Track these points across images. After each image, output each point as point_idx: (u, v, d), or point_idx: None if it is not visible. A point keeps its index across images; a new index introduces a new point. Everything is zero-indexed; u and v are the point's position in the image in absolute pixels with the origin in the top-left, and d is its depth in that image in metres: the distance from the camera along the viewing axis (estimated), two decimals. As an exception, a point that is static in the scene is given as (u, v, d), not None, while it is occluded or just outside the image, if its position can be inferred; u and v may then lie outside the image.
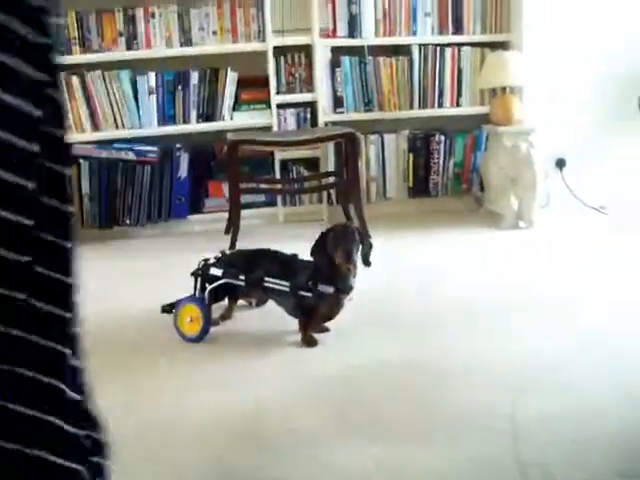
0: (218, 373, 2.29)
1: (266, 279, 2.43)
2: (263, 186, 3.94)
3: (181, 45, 3.96)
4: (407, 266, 3.28)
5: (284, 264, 2.47)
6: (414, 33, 4.03)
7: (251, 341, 2.52)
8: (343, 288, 2.35)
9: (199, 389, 2.19)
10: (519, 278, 3.06)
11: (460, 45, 4.06)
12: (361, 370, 2.26)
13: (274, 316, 2.59)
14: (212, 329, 2.53)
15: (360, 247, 2.36)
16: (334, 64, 4.02)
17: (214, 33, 3.98)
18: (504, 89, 3.88)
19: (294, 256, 2.51)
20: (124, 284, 3.20)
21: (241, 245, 3.44)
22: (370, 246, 2.45)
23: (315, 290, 2.36)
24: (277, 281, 2.42)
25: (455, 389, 2.10)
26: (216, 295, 2.54)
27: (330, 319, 2.44)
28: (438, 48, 4.05)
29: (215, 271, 2.51)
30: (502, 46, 4.01)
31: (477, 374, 2.18)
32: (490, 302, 2.77)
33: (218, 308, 2.67)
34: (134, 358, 2.43)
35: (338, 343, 2.48)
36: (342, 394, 2.12)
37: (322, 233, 2.42)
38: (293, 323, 2.51)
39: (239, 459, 1.78)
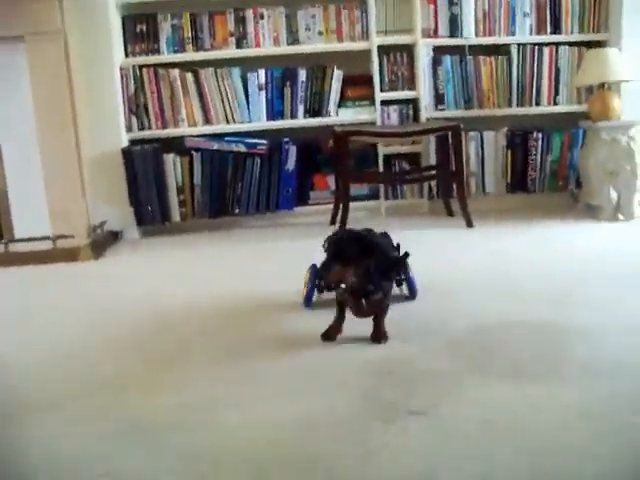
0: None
1: None
2: (368, 178, 4.04)
3: (288, 44, 4.10)
4: (510, 256, 3.23)
5: None
6: (513, 33, 4.15)
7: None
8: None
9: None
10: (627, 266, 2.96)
11: (558, 44, 4.16)
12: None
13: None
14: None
15: (372, 264, 1.97)
16: (435, 62, 4.14)
17: (320, 33, 4.13)
18: (602, 86, 3.96)
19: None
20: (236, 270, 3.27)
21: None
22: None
23: None
24: None
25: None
26: None
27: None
28: (536, 47, 4.16)
29: None
30: (599, 45, 4.11)
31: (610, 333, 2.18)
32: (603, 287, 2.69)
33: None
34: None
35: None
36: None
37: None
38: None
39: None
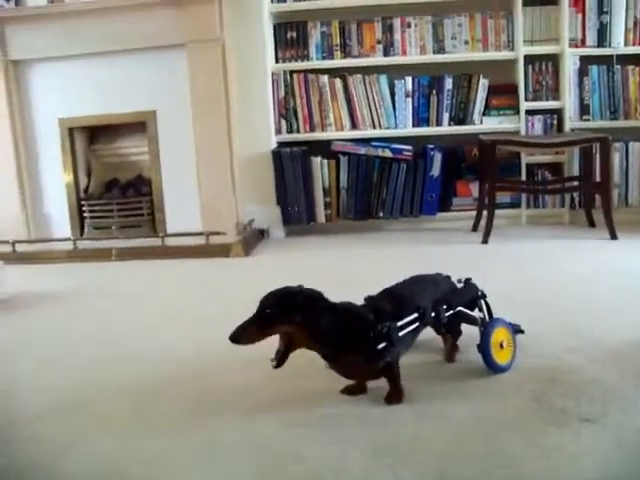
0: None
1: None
2: (513, 187, 4.07)
3: (434, 53, 4.18)
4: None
5: None
6: (664, 42, 4.09)
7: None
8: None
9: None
10: None
11: None
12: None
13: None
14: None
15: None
16: (582, 72, 4.13)
17: (466, 42, 4.19)
18: None
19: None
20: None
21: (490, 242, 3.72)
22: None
23: None
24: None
25: None
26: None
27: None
28: (688, 58, 4.10)
29: None
30: None
31: None
32: None
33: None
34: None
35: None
36: None
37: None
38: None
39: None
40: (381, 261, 3.55)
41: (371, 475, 1.46)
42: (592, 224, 4.06)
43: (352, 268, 3.42)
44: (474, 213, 4.06)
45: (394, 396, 1.82)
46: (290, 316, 1.70)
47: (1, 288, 3.14)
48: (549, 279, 3.00)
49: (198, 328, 2.59)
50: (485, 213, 3.85)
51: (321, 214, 4.20)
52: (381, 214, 4.15)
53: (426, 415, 1.72)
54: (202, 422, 1.77)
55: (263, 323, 1.69)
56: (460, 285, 2.10)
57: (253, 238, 4.08)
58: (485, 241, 3.76)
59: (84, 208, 4.37)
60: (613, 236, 3.74)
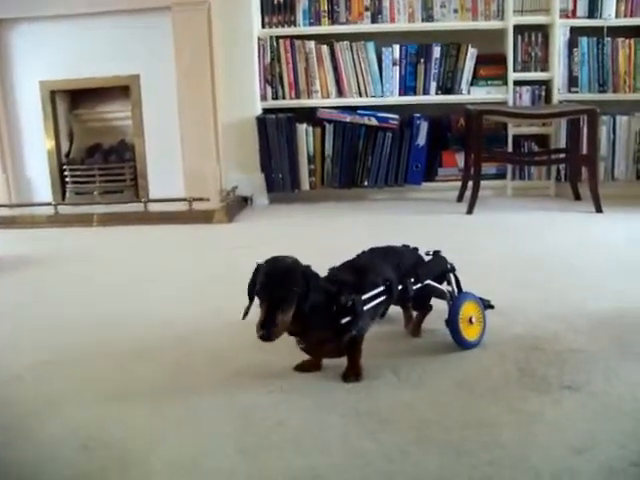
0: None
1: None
2: (499, 157, 4.05)
3: (422, 20, 4.13)
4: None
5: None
6: (656, 14, 4.06)
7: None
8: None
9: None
10: None
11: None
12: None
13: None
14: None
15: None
16: (571, 44, 4.10)
17: (455, 11, 4.15)
18: None
19: None
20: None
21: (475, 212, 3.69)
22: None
23: None
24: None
25: None
26: None
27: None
28: (680, 30, 4.07)
29: None
30: None
31: None
32: None
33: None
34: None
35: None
36: None
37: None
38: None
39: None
40: (365, 230, 3.52)
41: (352, 441, 1.45)
42: (578, 197, 4.06)
43: (335, 236, 3.40)
44: (459, 184, 4.05)
45: (352, 374, 1.71)
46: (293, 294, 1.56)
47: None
48: (533, 250, 2.99)
49: (181, 292, 2.56)
50: (470, 184, 3.83)
51: (305, 182, 4.16)
52: (366, 183, 4.13)
53: (407, 383, 1.71)
54: (183, 387, 1.75)
55: (282, 308, 1.54)
56: (428, 257, 2.00)
57: (236, 205, 4.05)
58: (470, 212, 3.75)
59: (66, 173, 4.31)
60: (598, 209, 3.74)
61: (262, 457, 1.40)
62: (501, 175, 4.17)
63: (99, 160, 4.31)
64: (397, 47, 4.11)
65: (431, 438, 1.44)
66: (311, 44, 4.13)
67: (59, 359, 1.96)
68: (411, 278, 1.84)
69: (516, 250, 3.00)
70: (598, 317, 2.12)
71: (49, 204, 4.05)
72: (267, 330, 1.52)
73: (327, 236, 3.42)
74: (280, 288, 1.55)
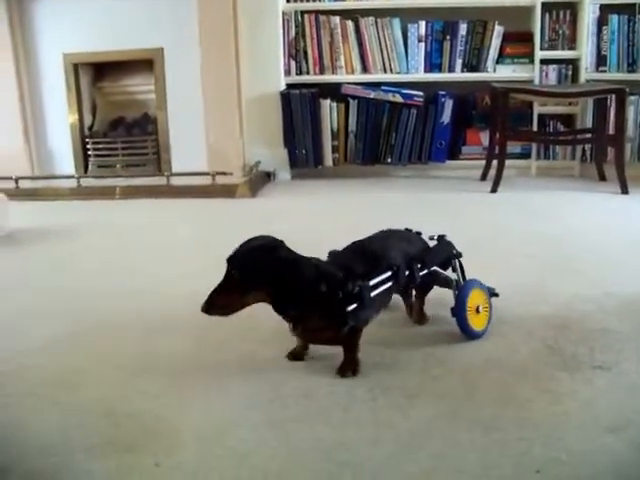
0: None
1: None
2: (524, 136, 4.01)
3: (450, -3, 4.08)
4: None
5: None
6: (690, -9, 3.98)
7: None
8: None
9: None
10: None
11: None
12: None
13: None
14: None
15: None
16: (601, 22, 4.03)
17: (483, -14, 4.07)
18: None
19: None
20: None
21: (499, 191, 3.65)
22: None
23: None
24: None
25: None
26: None
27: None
28: None
29: None
30: None
31: None
32: None
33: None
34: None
35: None
36: None
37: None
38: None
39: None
40: (387, 207, 3.50)
41: (381, 414, 1.44)
42: (603, 178, 4.01)
43: (356, 213, 3.38)
44: (483, 162, 4.01)
45: (348, 368, 1.62)
46: (261, 278, 1.52)
47: (4, 223, 3.10)
48: (558, 230, 2.96)
49: (202, 265, 2.56)
50: (495, 162, 3.80)
51: (328, 158, 4.14)
52: (389, 160, 4.10)
53: (434, 359, 1.70)
54: (207, 359, 1.75)
55: (234, 289, 1.53)
56: (433, 242, 1.92)
57: (259, 180, 4.03)
58: (494, 190, 3.72)
59: (88, 146, 4.31)
60: (624, 190, 3.69)
61: (290, 429, 1.40)
62: (526, 154, 4.13)
63: (122, 133, 4.31)
64: (423, 23, 4.06)
65: (460, 414, 1.43)
66: (336, 19, 4.09)
67: (79, 330, 1.97)
68: (418, 264, 1.76)
69: (540, 229, 2.97)
70: (626, 298, 2.10)
71: (72, 177, 4.05)
72: (206, 304, 1.53)
73: (348, 212, 3.41)
74: (230, 269, 1.54)
